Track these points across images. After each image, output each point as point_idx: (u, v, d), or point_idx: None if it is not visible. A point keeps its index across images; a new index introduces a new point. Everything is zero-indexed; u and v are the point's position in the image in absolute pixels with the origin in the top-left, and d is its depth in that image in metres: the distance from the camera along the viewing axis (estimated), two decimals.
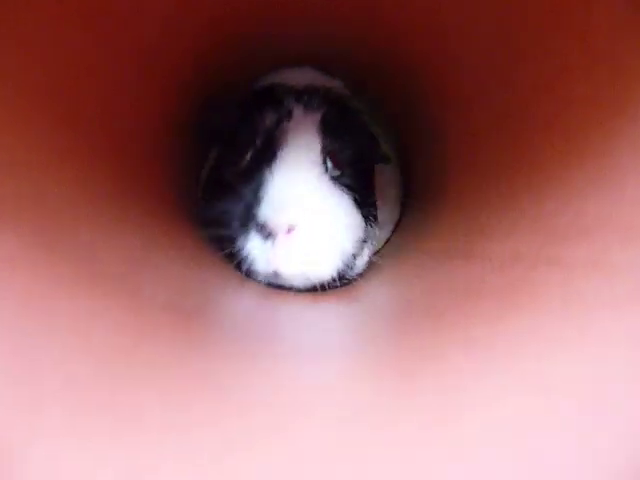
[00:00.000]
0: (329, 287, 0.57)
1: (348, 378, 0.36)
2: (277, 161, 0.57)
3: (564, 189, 0.40)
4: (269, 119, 0.62)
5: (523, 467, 0.27)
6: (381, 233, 0.71)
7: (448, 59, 0.58)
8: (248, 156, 0.61)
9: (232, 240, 0.57)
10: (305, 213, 0.54)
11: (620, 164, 0.36)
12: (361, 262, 0.62)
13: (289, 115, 0.62)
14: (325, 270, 0.56)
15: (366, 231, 0.62)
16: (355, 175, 0.62)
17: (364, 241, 0.62)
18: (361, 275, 0.61)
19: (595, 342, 0.30)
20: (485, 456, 0.27)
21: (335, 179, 0.59)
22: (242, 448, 0.29)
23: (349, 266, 0.59)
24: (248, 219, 0.56)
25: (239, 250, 0.56)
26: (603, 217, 0.36)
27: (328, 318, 0.53)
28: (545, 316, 0.34)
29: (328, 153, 0.60)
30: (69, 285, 0.35)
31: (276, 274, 0.56)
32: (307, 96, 0.64)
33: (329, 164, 0.60)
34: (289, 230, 0.54)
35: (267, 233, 0.54)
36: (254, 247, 0.56)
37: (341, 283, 0.58)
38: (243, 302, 0.54)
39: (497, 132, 0.51)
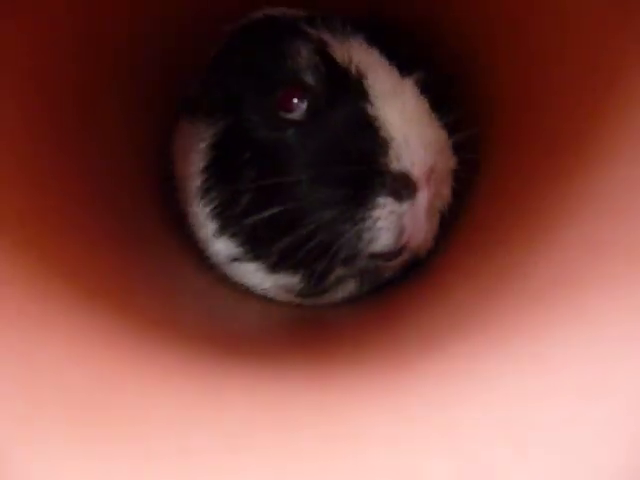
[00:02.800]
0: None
1: None
2: (369, 94, 0.41)
3: (550, 171, 0.40)
4: (305, 51, 0.43)
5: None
6: None
7: None
8: (301, 105, 0.43)
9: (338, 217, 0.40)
10: (438, 158, 0.42)
11: (606, 144, 0.36)
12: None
13: (322, 44, 0.44)
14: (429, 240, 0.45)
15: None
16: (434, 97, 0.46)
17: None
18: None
19: (589, 322, 0.30)
20: (483, 442, 0.27)
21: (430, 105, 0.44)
22: (243, 450, 0.29)
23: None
24: (371, 176, 0.40)
25: (349, 227, 0.40)
26: (591, 197, 0.36)
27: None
28: (538, 298, 0.35)
29: (405, 75, 0.44)
30: (63, 298, 0.35)
31: (391, 254, 0.43)
32: (326, 22, 0.46)
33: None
34: (428, 177, 0.41)
35: (404, 190, 0.40)
36: (384, 215, 0.41)
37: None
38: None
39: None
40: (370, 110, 0.41)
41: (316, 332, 0.46)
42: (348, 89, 0.42)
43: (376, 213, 0.40)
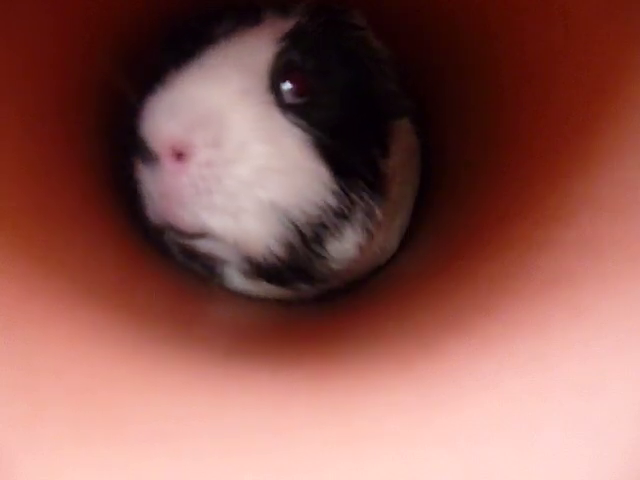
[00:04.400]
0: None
1: None
2: (197, 61, 0.40)
3: (550, 172, 0.40)
4: (226, 26, 0.43)
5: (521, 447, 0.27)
6: (394, 218, 0.53)
7: None
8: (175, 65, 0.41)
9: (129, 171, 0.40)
10: (204, 135, 0.37)
11: (604, 145, 0.36)
12: (342, 251, 0.44)
13: (255, 20, 0.43)
14: (254, 239, 0.39)
15: (348, 204, 0.43)
16: (341, 114, 0.43)
17: (342, 216, 0.43)
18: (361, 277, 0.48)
19: (590, 322, 0.31)
20: (483, 442, 0.27)
21: (292, 108, 0.41)
22: (243, 451, 0.29)
23: (312, 250, 0.42)
24: (132, 134, 0.39)
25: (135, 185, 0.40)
26: (590, 198, 0.36)
27: None
28: (538, 298, 0.35)
29: (288, 70, 0.41)
30: (64, 297, 0.35)
31: (173, 228, 0.40)
32: (295, 5, 0.45)
33: (286, 86, 0.41)
34: (178, 156, 0.37)
35: (147, 155, 0.38)
36: (140, 178, 0.40)
37: (308, 280, 0.44)
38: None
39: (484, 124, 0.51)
40: (172, 77, 0.39)
41: (316, 332, 0.46)
42: (196, 54, 0.41)
43: (137, 175, 0.40)
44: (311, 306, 0.52)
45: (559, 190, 0.39)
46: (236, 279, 0.48)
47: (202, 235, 0.40)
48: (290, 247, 0.41)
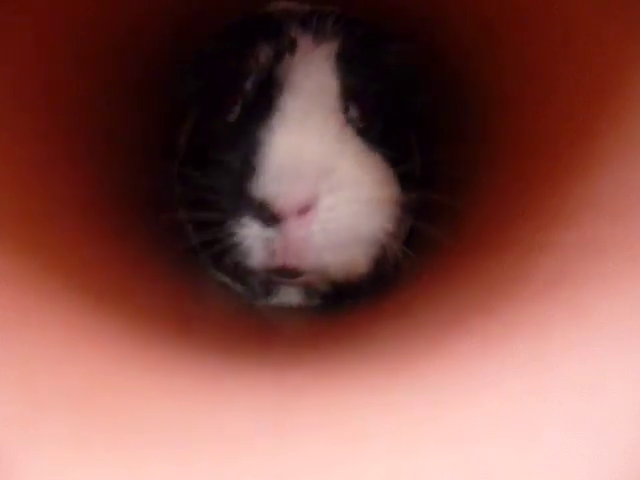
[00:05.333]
0: (357, 295, 0.46)
1: None
2: (277, 112, 0.41)
3: (551, 173, 0.40)
4: (264, 54, 0.44)
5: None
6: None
7: None
8: (236, 108, 0.44)
9: (220, 226, 0.42)
10: (325, 185, 0.39)
11: (605, 146, 0.36)
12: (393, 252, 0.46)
13: (292, 47, 0.44)
14: (357, 264, 0.43)
15: (404, 207, 0.46)
16: (389, 127, 0.46)
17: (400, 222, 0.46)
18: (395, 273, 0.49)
19: (590, 322, 0.30)
20: (483, 441, 0.27)
21: (362, 133, 0.43)
22: (243, 452, 0.29)
23: (388, 258, 0.45)
24: (240, 197, 0.40)
25: (228, 239, 0.42)
26: (591, 199, 0.36)
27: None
28: (539, 298, 0.35)
29: (351, 97, 0.43)
30: (63, 297, 0.35)
31: (283, 272, 0.43)
32: (317, 21, 0.46)
33: (353, 112, 0.43)
34: (302, 211, 0.39)
35: (269, 216, 0.39)
36: (250, 236, 0.41)
37: (376, 287, 0.46)
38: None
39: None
40: (264, 129, 0.40)
41: (316, 333, 0.46)
42: (270, 99, 0.42)
43: (243, 232, 0.41)
44: (311, 306, 0.52)
45: (560, 191, 0.39)
46: (291, 297, 0.50)
47: (301, 275, 0.44)
48: (377, 264, 0.45)
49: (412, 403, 0.31)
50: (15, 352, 0.30)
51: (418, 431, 0.29)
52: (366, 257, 0.44)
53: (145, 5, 0.46)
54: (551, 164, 0.41)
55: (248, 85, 0.44)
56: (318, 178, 0.39)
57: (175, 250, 0.48)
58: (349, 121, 0.43)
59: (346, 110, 0.44)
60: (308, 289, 0.50)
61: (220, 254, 0.43)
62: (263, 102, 0.42)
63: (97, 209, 0.45)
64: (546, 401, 0.28)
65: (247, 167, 0.40)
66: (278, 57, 0.44)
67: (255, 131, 0.40)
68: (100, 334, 0.34)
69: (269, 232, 0.40)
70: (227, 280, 0.51)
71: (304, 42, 0.45)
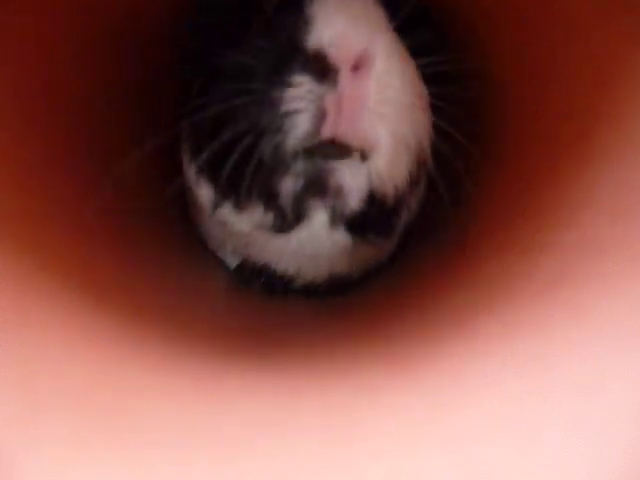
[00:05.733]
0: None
1: None
2: None
3: (551, 173, 0.40)
4: None
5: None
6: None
7: None
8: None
9: (259, 102, 0.36)
10: (379, 45, 0.36)
11: (605, 146, 0.36)
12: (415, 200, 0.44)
13: None
14: (400, 166, 0.39)
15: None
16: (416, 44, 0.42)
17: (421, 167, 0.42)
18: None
19: (590, 322, 0.31)
20: (483, 442, 0.27)
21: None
22: (243, 452, 0.29)
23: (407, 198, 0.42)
24: (288, 51, 0.36)
25: (270, 110, 0.36)
26: (591, 199, 0.36)
27: None
28: (539, 298, 0.35)
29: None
30: (63, 297, 0.35)
31: (331, 148, 0.37)
32: None
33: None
34: (358, 65, 0.35)
35: (323, 68, 0.35)
36: (299, 95, 0.35)
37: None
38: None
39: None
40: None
41: (316, 333, 0.46)
42: None
43: (292, 92, 0.35)
44: (311, 305, 0.52)
45: (560, 191, 0.39)
46: (318, 228, 0.44)
47: (352, 154, 0.38)
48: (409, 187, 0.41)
49: (412, 403, 0.31)
50: (15, 352, 0.30)
51: (418, 431, 0.29)
52: (408, 164, 0.40)
53: None
54: (551, 164, 0.41)
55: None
56: (375, 32, 0.36)
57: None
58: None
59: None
60: (335, 215, 0.43)
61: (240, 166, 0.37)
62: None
63: (97, 209, 0.45)
64: (546, 401, 0.28)
65: (295, 24, 0.36)
66: None
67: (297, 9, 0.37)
68: (100, 334, 0.34)
69: (322, 89, 0.35)
70: (251, 205, 0.43)
71: None
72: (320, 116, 0.36)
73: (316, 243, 0.45)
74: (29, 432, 0.27)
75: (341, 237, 0.44)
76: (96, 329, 0.34)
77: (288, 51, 0.36)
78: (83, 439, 0.28)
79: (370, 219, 0.42)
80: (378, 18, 0.38)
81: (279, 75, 0.36)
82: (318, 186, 0.40)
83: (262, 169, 0.38)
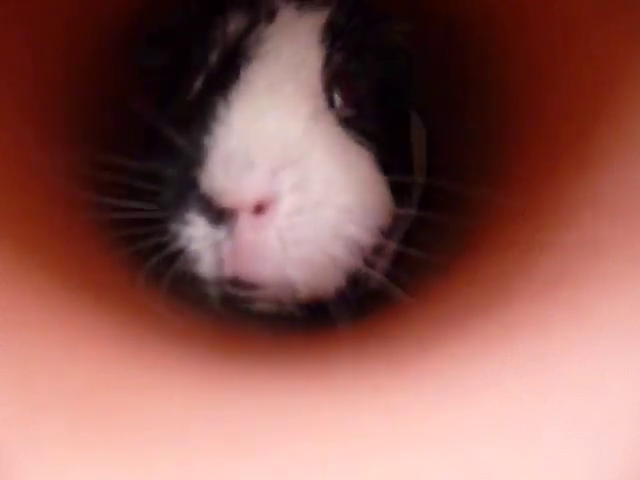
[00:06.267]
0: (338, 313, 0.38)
1: None
2: (241, 86, 0.33)
3: (551, 173, 0.40)
4: (236, 23, 0.36)
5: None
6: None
7: None
8: (198, 84, 0.37)
9: (163, 224, 0.35)
10: (288, 179, 0.31)
11: (605, 146, 0.36)
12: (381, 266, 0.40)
13: (271, 15, 0.36)
14: (327, 280, 0.36)
15: (396, 214, 0.39)
16: (382, 119, 0.38)
17: (390, 232, 0.39)
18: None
19: (590, 322, 0.30)
20: (483, 442, 0.27)
21: (348, 123, 0.36)
22: (242, 452, 0.29)
23: (368, 274, 0.38)
24: (186, 187, 0.33)
25: (172, 241, 0.35)
26: (591, 199, 0.36)
27: None
28: (539, 298, 0.35)
29: (336, 79, 0.36)
30: (62, 297, 0.35)
31: (236, 283, 0.36)
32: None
33: (337, 98, 0.36)
34: (258, 209, 0.31)
35: (217, 213, 0.32)
36: (195, 236, 0.34)
37: (355, 306, 0.39)
38: None
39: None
40: (222, 107, 0.32)
41: (315, 332, 0.46)
42: (235, 73, 0.34)
43: (189, 231, 0.34)
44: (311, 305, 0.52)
45: (560, 191, 0.39)
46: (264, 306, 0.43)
47: (267, 286, 0.36)
48: (353, 281, 0.37)
49: (412, 403, 0.31)
50: (15, 352, 0.30)
51: (418, 431, 0.29)
52: (338, 277, 0.36)
53: None
54: (551, 164, 0.41)
55: (213, 57, 0.36)
56: (280, 169, 0.31)
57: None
58: (331, 107, 0.36)
59: (329, 93, 0.36)
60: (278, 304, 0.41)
61: (162, 263, 0.35)
62: (228, 76, 0.34)
63: (97, 208, 0.45)
64: (546, 401, 0.28)
65: (198, 151, 0.32)
66: (252, 26, 0.36)
67: (213, 109, 0.32)
68: (99, 334, 0.34)
69: (217, 233, 0.33)
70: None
71: (285, 11, 0.37)
72: (219, 258, 0.34)
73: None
74: (29, 432, 0.27)
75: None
76: (96, 328, 0.34)
77: (188, 184, 0.33)
78: (83, 439, 0.28)
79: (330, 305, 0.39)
80: (297, 136, 0.32)
81: (178, 208, 0.34)
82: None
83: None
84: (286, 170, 0.31)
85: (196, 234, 0.33)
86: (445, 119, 0.60)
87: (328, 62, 0.36)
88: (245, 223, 0.31)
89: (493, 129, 0.50)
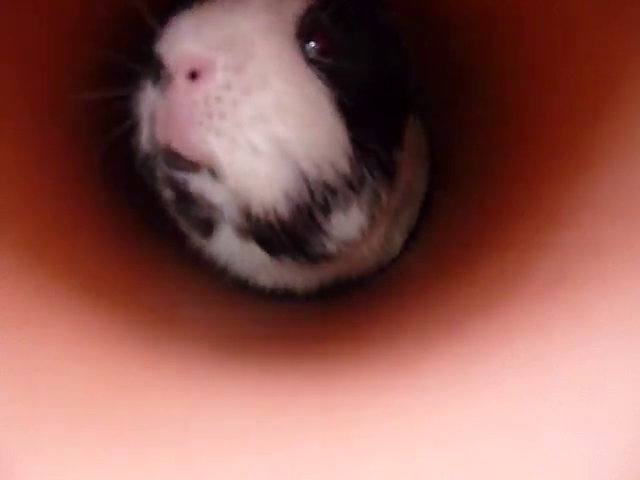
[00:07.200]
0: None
1: None
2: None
3: (551, 173, 0.40)
4: None
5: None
6: (399, 214, 0.50)
7: None
8: None
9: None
10: (227, 56, 0.34)
11: (605, 146, 0.36)
12: (343, 230, 0.40)
13: None
14: (258, 178, 0.35)
15: (359, 176, 0.39)
16: (371, 97, 0.39)
17: (351, 188, 0.39)
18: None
19: (590, 322, 0.30)
20: (483, 442, 0.27)
21: (315, 63, 0.37)
22: (242, 452, 0.29)
23: (315, 218, 0.38)
24: (148, 55, 0.36)
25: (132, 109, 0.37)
26: (591, 199, 0.36)
27: None
28: (539, 298, 0.35)
29: (315, 29, 0.38)
30: (63, 296, 0.35)
31: (170, 158, 0.36)
32: None
33: (312, 44, 0.38)
34: (193, 75, 0.34)
35: (160, 73, 0.35)
36: (143, 100, 0.36)
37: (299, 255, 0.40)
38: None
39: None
40: (198, 4, 0.36)
41: (315, 332, 0.46)
42: None
43: (139, 96, 0.36)
44: (311, 305, 0.52)
45: (560, 191, 0.39)
46: (230, 243, 0.44)
47: (199, 167, 0.36)
48: (295, 207, 0.37)
49: (412, 403, 0.31)
50: (15, 351, 0.30)
51: (418, 431, 0.29)
52: (274, 182, 0.36)
53: None
54: (551, 164, 0.41)
55: None
56: (220, 44, 0.34)
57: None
58: (301, 45, 0.37)
59: (303, 36, 0.38)
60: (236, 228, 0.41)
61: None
62: None
63: (97, 208, 0.45)
64: (546, 401, 0.28)
65: (165, 29, 0.35)
66: None
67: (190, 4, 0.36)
68: (100, 333, 0.34)
69: (157, 94, 0.35)
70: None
71: None
72: (154, 127, 0.36)
73: (235, 251, 0.44)
74: (29, 432, 0.27)
75: (257, 251, 0.42)
76: (96, 328, 0.34)
77: (151, 56, 0.35)
78: (83, 439, 0.28)
79: (279, 234, 0.38)
80: (255, 31, 0.35)
81: (140, 77, 0.36)
82: (187, 197, 0.39)
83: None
84: (228, 51, 0.34)
85: (143, 98, 0.36)
86: (444, 121, 0.60)
87: (309, 12, 0.38)
88: (179, 84, 0.33)
89: (493, 129, 0.50)
